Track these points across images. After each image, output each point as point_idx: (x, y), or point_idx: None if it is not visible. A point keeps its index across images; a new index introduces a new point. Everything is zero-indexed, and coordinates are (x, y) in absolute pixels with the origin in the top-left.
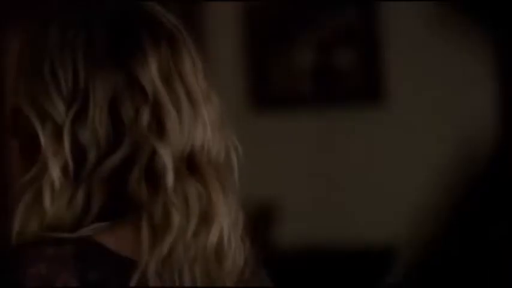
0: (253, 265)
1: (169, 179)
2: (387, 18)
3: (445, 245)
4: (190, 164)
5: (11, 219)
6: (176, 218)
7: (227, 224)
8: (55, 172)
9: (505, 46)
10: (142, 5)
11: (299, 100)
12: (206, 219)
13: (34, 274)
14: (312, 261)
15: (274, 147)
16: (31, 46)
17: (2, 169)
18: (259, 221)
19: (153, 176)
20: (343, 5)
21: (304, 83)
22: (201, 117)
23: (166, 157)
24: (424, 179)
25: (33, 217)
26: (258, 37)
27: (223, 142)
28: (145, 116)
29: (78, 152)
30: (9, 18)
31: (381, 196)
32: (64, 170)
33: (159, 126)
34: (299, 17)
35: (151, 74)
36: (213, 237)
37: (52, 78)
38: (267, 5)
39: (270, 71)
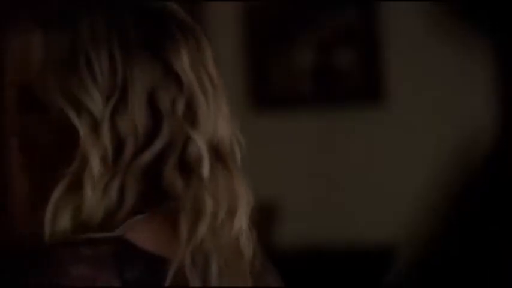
0: (261, 257)
1: (206, 167)
2: (387, 18)
3: (445, 244)
4: (216, 154)
5: (11, 219)
6: (209, 207)
7: (245, 214)
8: (96, 165)
9: (505, 46)
10: (163, 3)
11: (299, 100)
12: (231, 208)
13: (76, 275)
14: (312, 261)
15: (274, 147)
16: (60, 41)
17: (2, 169)
18: (259, 221)
19: (187, 165)
20: (343, 5)
21: (304, 83)
22: (221, 108)
23: (202, 145)
24: (424, 179)
25: (66, 211)
26: (258, 37)
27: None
28: (180, 105)
29: (117, 143)
30: (9, 18)
31: (381, 196)
32: (103, 162)
33: (192, 115)
34: (299, 17)
35: (183, 63)
36: (236, 227)
37: (88, 70)
38: (267, 5)
39: (270, 71)
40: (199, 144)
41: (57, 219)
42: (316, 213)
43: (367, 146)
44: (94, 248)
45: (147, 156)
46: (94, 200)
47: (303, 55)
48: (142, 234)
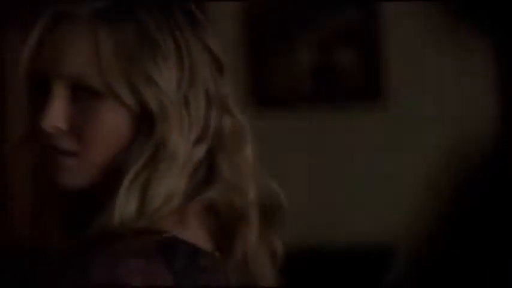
0: None
1: (249, 146)
2: (387, 18)
3: (445, 244)
4: None
5: (11, 219)
6: (252, 189)
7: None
8: (178, 149)
9: (505, 46)
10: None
11: (299, 100)
12: None
13: (135, 268)
14: (312, 261)
15: (274, 147)
16: (123, 30)
17: (1, 169)
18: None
19: (232, 147)
20: (343, 5)
21: (304, 83)
22: None
23: (246, 123)
24: (424, 179)
25: (135, 196)
26: (258, 37)
27: None
28: (224, 90)
29: (187, 131)
30: (9, 18)
31: (381, 196)
32: (183, 147)
33: (226, 95)
34: (299, 17)
35: (218, 47)
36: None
37: (160, 54)
38: (267, 5)
39: (270, 71)
40: (244, 122)
41: (128, 204)
42: (316, 213)
43: (367, 146)
44: (143, 241)
45: (204, 146)
46: (164, 186)
47: (303, 55)
48: (185, 226)
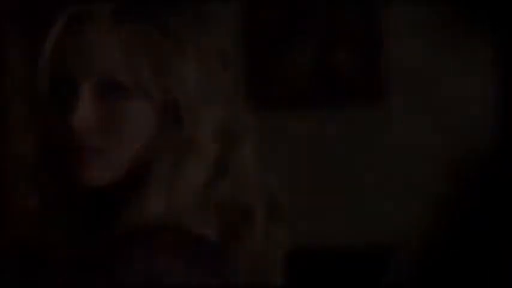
0: None
1: (250, 146)
2: (387, 18)
3: (445, 244)
4: None
5: (11, 219)
6: (254, 188)
7: None
8: (206, 146)
9: (505, 46)
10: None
11: (299, 100)
12: None
13: (165, 266)
14: (311, 261)
15: (274, 148)
16: (147, 32)
17: (1, 169)
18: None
19: (234, 146)
20: (343, 5)
21: (304, 83)
22: None
23: (247, 122)
24: (424, 179)
25: (162, 194)
26: (258, 37)
27: None
28: (229, 87)
29: (210, 127)
30: (10, 18)
31: (381, 196)
32: (212, 142)
33: (230, 94)
34: (299, 17)
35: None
36: None
37: (186, 56)
38: (267, 5)
39: (270, 71)
40: (242, 120)
41: (156, 200)
42: (316, 213)
43: (367, 146)
44: (173, 238)
45: (217, 144)
46: (190, 182)
47: (303, 55)
48: (201, 223)
